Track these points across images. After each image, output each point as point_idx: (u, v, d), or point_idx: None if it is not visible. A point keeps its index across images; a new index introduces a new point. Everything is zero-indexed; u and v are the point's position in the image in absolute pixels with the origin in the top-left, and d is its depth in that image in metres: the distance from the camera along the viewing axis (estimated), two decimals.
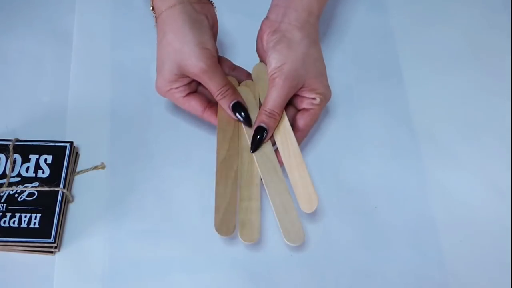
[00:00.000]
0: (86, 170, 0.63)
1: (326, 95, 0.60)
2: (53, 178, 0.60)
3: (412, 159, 0.66)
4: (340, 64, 0.71)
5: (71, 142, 0.63)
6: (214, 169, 0.61)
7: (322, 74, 0.60)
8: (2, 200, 0.59)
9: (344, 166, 0.65)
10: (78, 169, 0.64)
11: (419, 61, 0.72)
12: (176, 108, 0.67)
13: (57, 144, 0.62)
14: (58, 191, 0.59)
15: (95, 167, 0.63)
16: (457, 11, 0.76)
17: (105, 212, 0.61)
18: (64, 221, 0.60)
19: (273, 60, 0.58)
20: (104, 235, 0.60)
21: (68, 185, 0.61)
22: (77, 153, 0.64)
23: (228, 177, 0.58)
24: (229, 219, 0.55)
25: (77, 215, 0.61)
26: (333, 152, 0.66)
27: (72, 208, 0.62)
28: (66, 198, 0.60)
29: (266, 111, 0.58)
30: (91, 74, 0.69)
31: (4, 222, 0.58)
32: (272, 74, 0.58)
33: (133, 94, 0.68)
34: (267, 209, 0.62)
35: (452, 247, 0.62)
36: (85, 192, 0.62)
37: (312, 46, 0.59)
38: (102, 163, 0.64)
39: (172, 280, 0.59)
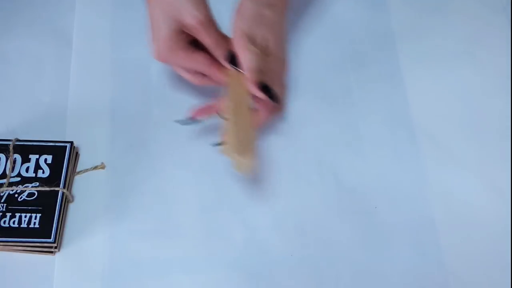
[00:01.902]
0: (86, 170, 0.63)
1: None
2: (53, 178, 0.60)
3: (412, 159, 0.66)
4: (340, 64, 0.71)
5: (71, 142, 0.63)
6: (214, 169, 0.61)
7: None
8: (2, 200, 0.59)
9: (344, 166, 0.65)
10: (78, 169, 0.64)
11: (419, 61, 0.72)
12: (176, 108, 0.67)
13: (57, 144, 0.62)
14: (58, 191, 0.59)
15: (95, 167, 0.63)
16: (457, 11, 0.76)
17: (105, 212, 0.61)
18: (64, 221, 0.60)
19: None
20: (104, 235, 0.60)
21: (68, 185, 0.61)
22: (77, 153, 0.64)
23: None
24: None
25: (77, 215, 0.61)
26: (333, 152, 0.66)
27: (72, 208, 0.62)
28: (66, 198, 0.60)
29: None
30: (91, 74, 0.69)
31: (4, 222, 0.58)
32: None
33: (133, 94, 0.68)
34: (269, 210, 0.62)
35: (452, 247, 0.62)
36: (85, 192, 0.62)
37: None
38: (102, 163, 0.64)
39: (172, 280, 0.59)
